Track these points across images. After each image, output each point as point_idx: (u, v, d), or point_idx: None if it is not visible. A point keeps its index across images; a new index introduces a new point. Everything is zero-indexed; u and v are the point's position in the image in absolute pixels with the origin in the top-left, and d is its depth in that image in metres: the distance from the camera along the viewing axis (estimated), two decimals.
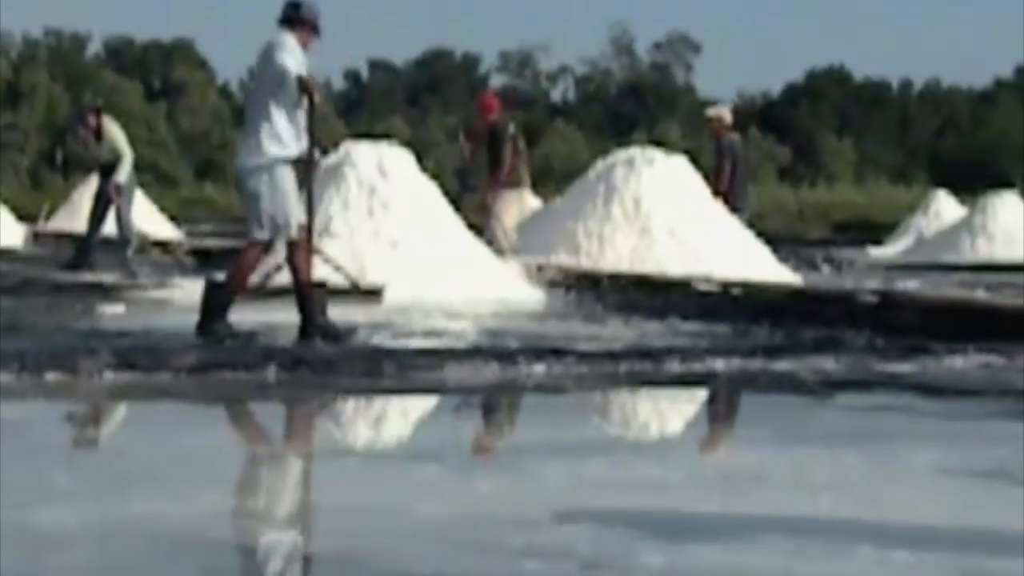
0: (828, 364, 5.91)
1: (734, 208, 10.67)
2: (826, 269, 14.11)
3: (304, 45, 6.31)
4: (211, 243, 15.45)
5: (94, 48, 55.80)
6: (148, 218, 16.62)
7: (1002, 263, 15.29)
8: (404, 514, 3.07)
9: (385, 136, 16.93)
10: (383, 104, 56.03)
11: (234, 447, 4.51)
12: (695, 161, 11.52)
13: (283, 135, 6.00)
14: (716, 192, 10.67)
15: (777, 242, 13.26)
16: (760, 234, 11.45)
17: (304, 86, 5.96)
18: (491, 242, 10.02)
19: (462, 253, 8.96)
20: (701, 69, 70.54)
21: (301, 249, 6.27)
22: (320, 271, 6.96)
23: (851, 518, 3.12)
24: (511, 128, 11.16)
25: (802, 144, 52.45)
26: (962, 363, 6.40)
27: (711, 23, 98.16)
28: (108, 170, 11.47)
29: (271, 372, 5.16)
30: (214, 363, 5.17)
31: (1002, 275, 13.20)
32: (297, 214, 6.17)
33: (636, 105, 58.01)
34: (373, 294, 8.15)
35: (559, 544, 2.72)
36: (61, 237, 16.22)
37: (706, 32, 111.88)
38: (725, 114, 11.98)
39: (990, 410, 5.65)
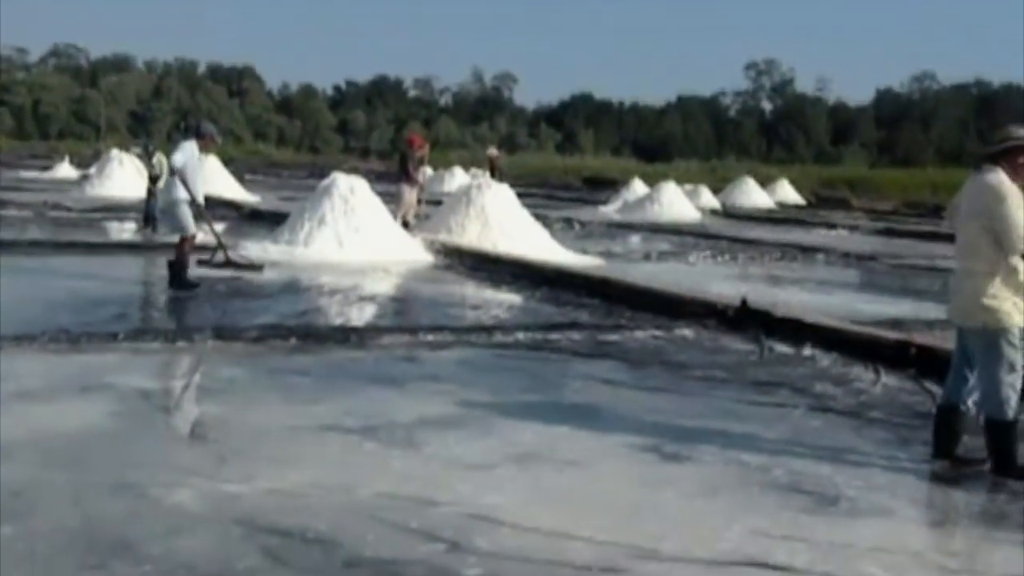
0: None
1: None
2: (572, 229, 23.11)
3: (203, 149, 12.03)
4: None
5: None
6: None
7: (668, 225, 27.00)
8: None
9: None
10: None
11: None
12: None
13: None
14: None
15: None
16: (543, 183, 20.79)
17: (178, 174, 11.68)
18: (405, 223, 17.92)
19: (393, 235, 16.40)
20: (518, 90, 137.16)
21: (189, 242, 11.88)
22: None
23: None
24: (419, 154, 19.16)
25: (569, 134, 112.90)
26: (642, 335, 9.88)
27: (528, 64, 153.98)
28: None
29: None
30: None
31: (670, 235, 23.21)
32: (192, 224, 11.85)
33: (483, 108, 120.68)
34: (257, 268, 13.10)
35: None
36: None
37: (523, 68, 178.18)
38: (494, 153, 21.32)
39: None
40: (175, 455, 5.62)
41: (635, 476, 5.52)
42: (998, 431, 5.65)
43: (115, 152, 33.46)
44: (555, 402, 7.15)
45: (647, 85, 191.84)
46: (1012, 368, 5.57)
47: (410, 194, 19.13)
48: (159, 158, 18.83)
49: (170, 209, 12.17)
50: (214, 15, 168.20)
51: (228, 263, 12.61)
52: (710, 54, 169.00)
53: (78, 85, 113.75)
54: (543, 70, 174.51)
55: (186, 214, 11.96)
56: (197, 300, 11.40)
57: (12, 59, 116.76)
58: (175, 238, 12.25)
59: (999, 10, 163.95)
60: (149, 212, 18.83)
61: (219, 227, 19.03)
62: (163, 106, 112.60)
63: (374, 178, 20.32)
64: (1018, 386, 5.62)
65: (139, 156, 22.13)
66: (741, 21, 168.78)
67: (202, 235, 12.54)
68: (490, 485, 5.20)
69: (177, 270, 11.88)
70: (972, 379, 5.84)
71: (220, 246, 12.58)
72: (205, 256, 12.75)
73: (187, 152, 11.90)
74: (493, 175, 23.58)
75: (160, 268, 12.60)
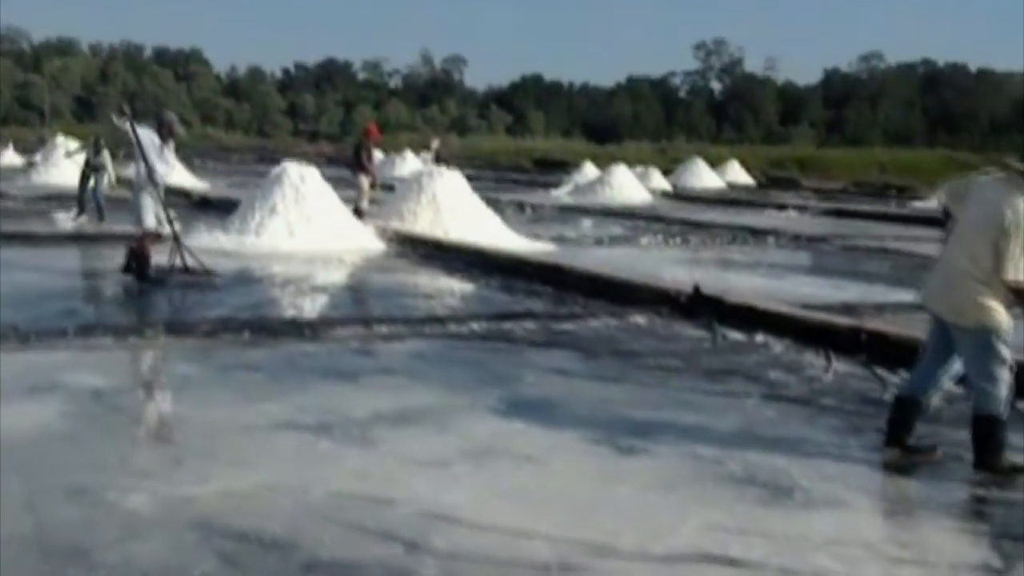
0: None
1: None
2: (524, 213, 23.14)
3: (163, 137, 11.61)
4: None
5: None
6: None
7: (619, 208, 26.92)
8: None
9: None
10: None
11: None
12: None
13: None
14: None
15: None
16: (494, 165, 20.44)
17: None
18: (357, 210, 17.83)
19: (345, 223, 16.32)
20: (468, 72, 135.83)
21: (149, 238, 11.58)
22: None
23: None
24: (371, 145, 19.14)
25: (520, 116, 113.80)
26: (595, 323, 9.90)
27: (478, 46, 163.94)
28: None
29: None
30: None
31: (622, 218, 23.32)
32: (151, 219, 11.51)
33: (433, 91, 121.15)
34: (212, 276, 11.87)
35: None
36: None
37: (473, 50, 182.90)
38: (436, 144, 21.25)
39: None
40: (129, 457, 5.56)
41: (591, 471, 5.54)
42: (990, 426, 5.64)
43: (60, 139, 32.96)
44: (510, 395, 7.15)
45: (597, 66, 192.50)
46: (1006, 364, 5.61)
47: (365, 182, 19.06)
48: (105, 154, 18.79)
49: (133, 199, 11.87)
50: None
51: (184, 269, 12.03)
52: (659, 35, 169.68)
53: (21, 70, 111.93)
54: (493, 52, 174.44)
55: (147, 206, 11.67)
56: (148, 293, 11.28)
57: None
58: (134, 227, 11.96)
59: None
60: (84, 198, 18.89)
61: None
62: (109, 91, 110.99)
63: (324, 162, 20.18)
64: (1009, 382, 5.65)
65: (82, 147, 21.55)
66: (690, 1, 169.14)
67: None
68: (447, 483, 5.20)
69: (138, 263, 11.68)
70: (940, 373, 5.86)
71: (178, 248, 12.06)
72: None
73: (144, 134, 11.65)
74: (438, 164, 23.68)
75: (107, 260, 12.43)
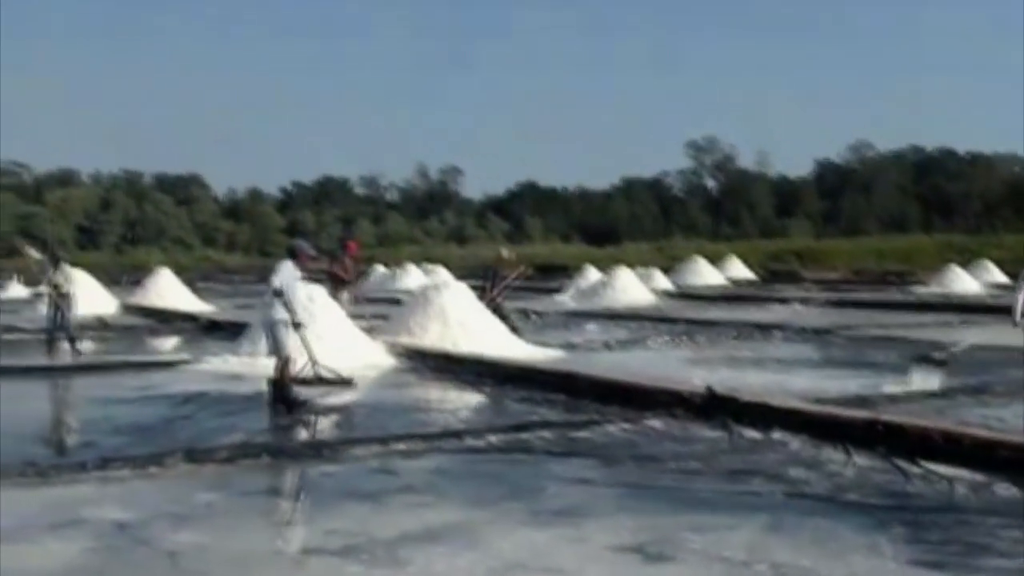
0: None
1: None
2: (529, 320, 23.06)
3: (301, 267, 12.03)
4: None
5: None
6: None
7: (624, 310, 26.85)
8: None
9: None
10: None
11: None
12: None
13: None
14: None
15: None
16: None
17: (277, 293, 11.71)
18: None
19: (354, 340, 16.42)
20: (465, 182, 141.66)
21: (288, 363, 11.78)
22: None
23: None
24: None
25: (518, 222, 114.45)
26: (612, 429, 9.92)
27: (473, 156, 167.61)
28: None
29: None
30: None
31: (627, 321, 23.28)
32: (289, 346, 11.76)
33: (431, 203, 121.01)
34: (347, 382, 12.66)
35: None
36: None
37: (469, 160, 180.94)
38: (504, 252, 20.93)
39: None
40: None
41: None
42: None
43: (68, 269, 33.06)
44: (533, 507, 7.14)
45: (591, 169, 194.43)
46: None
47: (343, 295, 19.43)
48: (65, 270, 18.04)
49: (269, 330, 12.18)
50: (157, 126, 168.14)
51: (319, 379, 12.36)
52: (651, 135, 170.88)
53: (23, 202, 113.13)
54: (488, 161, 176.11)
55: (284, 335, 11.92)
56: (165, 421, 11.30)
57: None
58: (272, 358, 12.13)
59: (930, 78, 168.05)
60: (54, 326, 17.82)
61: (177, 341, 18.89)
62: (111, 218, 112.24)
63: (326, 278, 20.26)
64: None
65: (40, 263, 20.25)
66: (678, 101, 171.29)
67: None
68: None
69: (280, 390, 11.81)
70: None
71: (312, 362, 12.32)
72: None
73: (285, 273, 11.95)
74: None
75: (117, 390, 12.47)
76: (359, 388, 13.01)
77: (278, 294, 11.80)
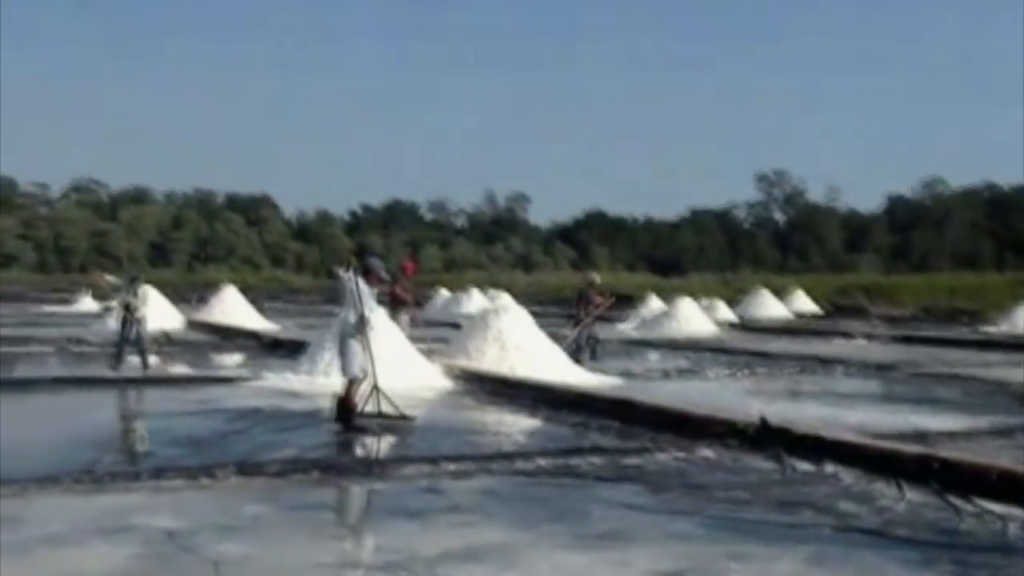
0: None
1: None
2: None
3: (373, 285, 11.95)
4: None
5: None
6: None
7: (686, 340, 26.39)
8: None
9: None
10: None
11: None
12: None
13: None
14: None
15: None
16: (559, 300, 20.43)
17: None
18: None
19: (412, 362, 16.47)
20: (532, 209, 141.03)
21: (355, 386, 11.78)
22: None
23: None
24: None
25: (584, 251, 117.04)
26: (663, 457, 9.91)
27: (541, 184, 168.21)
28: None
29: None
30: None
31: (688, 351, 22.96)
32: (355, 368, 11.70)
33: (498, 229, 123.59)
34: (409, 420, 11.88)
35: None
36: None
37: (536, 187, 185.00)
38: (596, 278, 21.60)
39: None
40: None
41: None
42: None
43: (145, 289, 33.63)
44: (577, 530, 7.12)
45: (659, 200, 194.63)
46: None
47: (403, 317, 19.45)
48: (143, 289, 18.02)
49: (341, 344, 12.13)
50: (230, 146, 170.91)
51: (380, 415, 11.92)
52: (720, 167, 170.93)
53: (98, 218, 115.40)
54: (555, 189, 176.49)
55: (355, 353, 11.84)
56: (220, 434, 11.43)
57: (34, 195, 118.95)
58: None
59: (1005, 113, 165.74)
60: (123, 342, 17.66)
61: (239, 358, 19.07)
62: (182, 236, 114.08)
63: (387, 299, 20.40)
64: None
65: (116, 286, 19.85)
66: (748, 133, 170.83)
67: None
68: None
69: (343, 411, 11.78)
70: None
71: (376, 393, 11.96)
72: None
73: (364, 286, 11.94)
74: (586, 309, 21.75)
75: (177, 403, 12.64)
76: (414, 409, 13.03)
77: (352, 287, 11.67)
